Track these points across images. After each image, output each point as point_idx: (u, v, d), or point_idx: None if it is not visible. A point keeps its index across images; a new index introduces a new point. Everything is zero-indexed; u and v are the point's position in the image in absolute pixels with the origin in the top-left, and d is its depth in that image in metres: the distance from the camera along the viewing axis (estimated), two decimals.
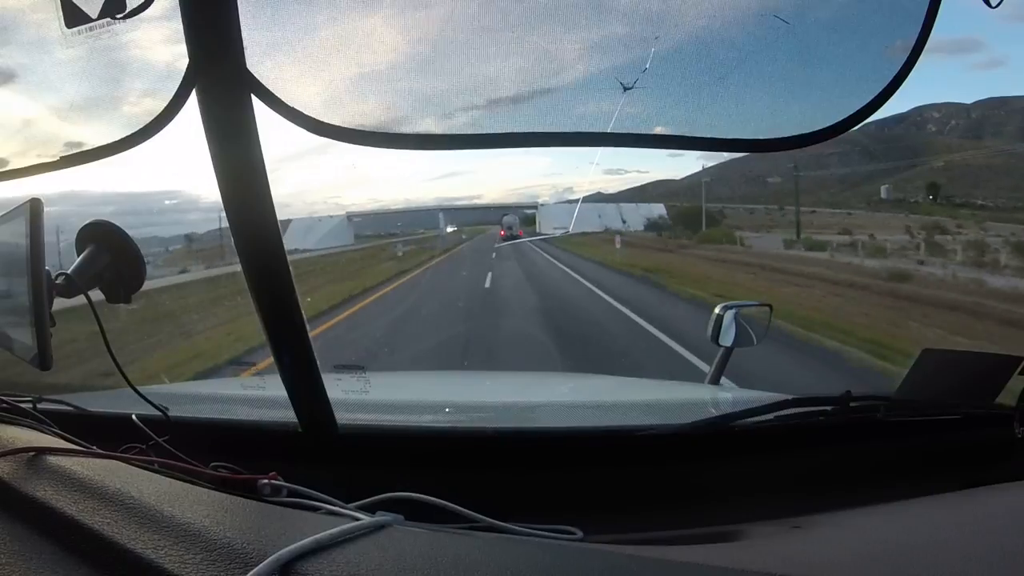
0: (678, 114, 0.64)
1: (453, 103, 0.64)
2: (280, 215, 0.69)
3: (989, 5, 0.61)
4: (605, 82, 0.63)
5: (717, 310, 1.43)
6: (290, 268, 0.72)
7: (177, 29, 0.61)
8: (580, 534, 0.66)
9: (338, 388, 1.11)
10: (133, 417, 0.82)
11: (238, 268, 0.70)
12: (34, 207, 0.66)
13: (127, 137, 0.69)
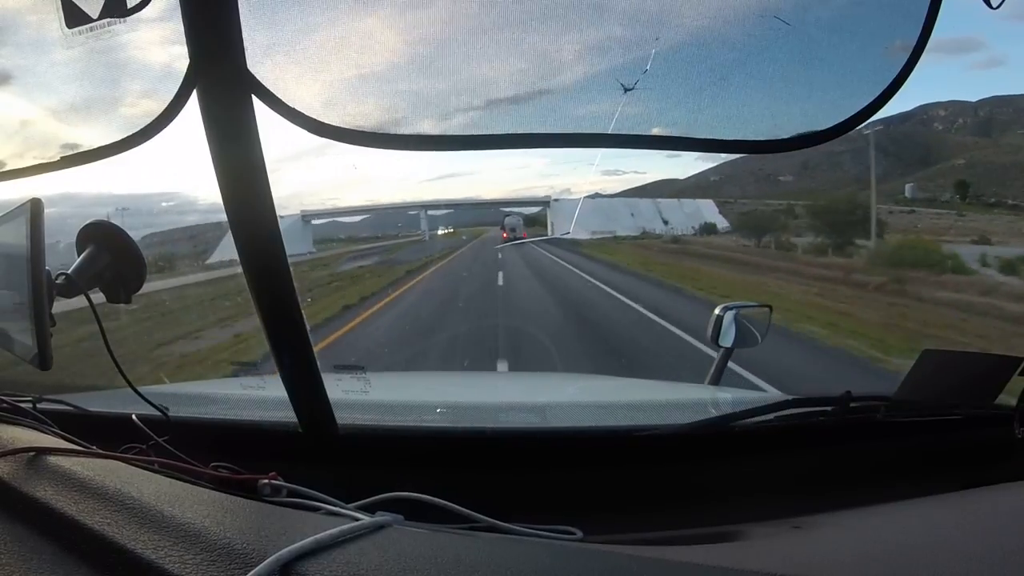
0: (678, 115, 0.64)
1: (452, 104, 0.65)
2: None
3: (990, 6, 0.61)
4: (605, 83, 0.63)
5: (717, 311, 1.43)
6: (290, 268, 0.73)
7: (177, 30, 0.61)
8: (580, 534, 0.66)
9: (338, 388, 1.11)
10: (133, 417, 0.82)
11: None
12: (34, 207, 0.66)
13: (128, 137, 0.69)
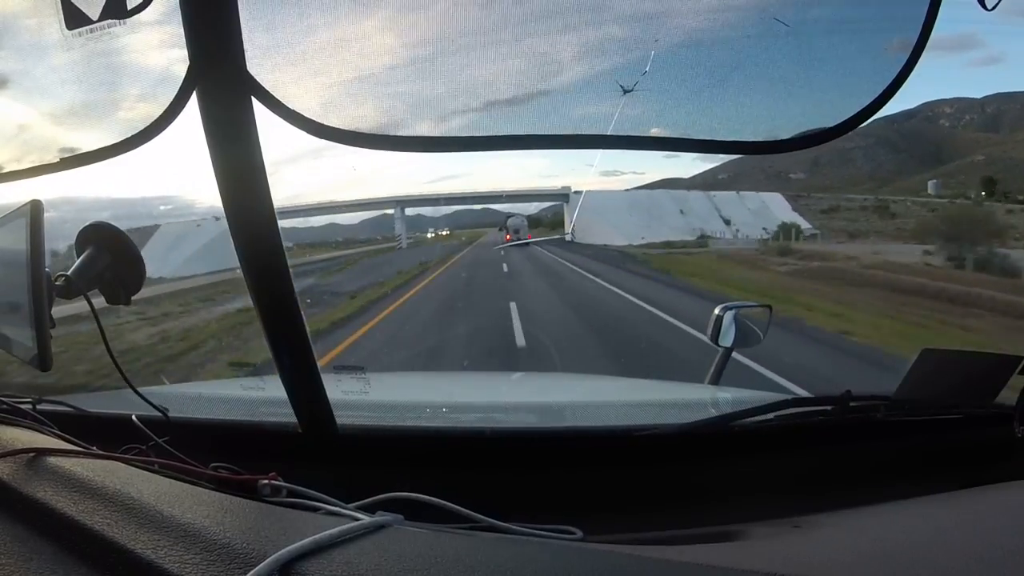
0: (678, 116, 0.64)
1: (451, 106, 0.65)
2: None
3: (985, 8, 0.61)
4: (604, 84, 0.63)
5: (717, 311, 1.43)
6: (290, 268, 0.73)
7: (177, 32, 0.61)
8: (580, 534, 0.66)
9: (338, 388, 1.12)
10: (133, 418, 0.82)
11: None
12: (34, 208, 0.66)
13: (128, 139, 0.69)
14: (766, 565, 0.50)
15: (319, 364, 0.79)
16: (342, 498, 0.63)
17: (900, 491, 0.74)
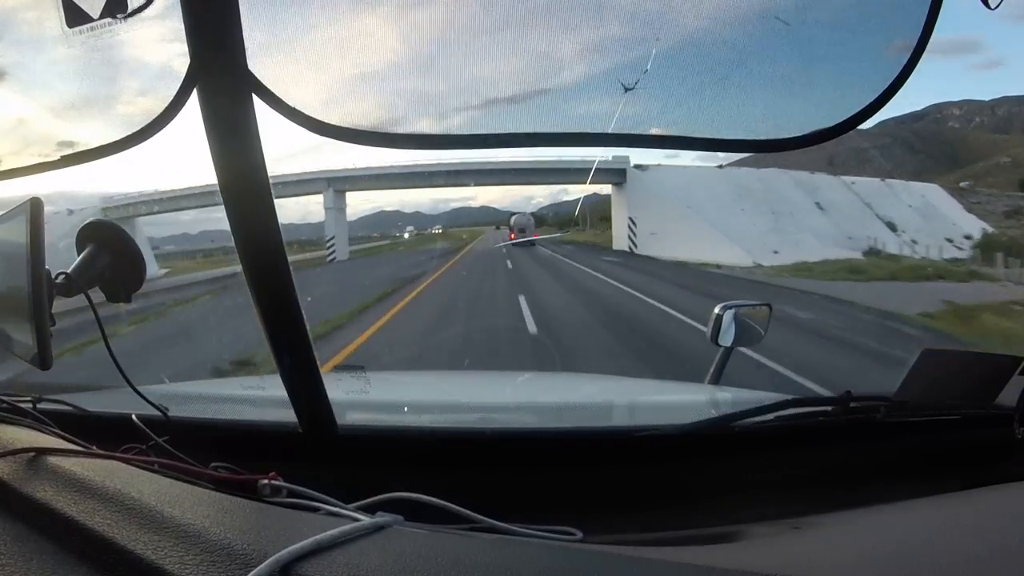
0: (679, 115, 0.64)
1: (452, 103, 0.64)
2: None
3: (988, 7, 0.60)
4: (604, 83, 0.63)
5: (716, 310, 1.43)
6: (290, 267, 0.72)
7: (178, 28, 0.61)
8: (580, 534, 0.66)
9: (338, 388, 1.12)
10: (133, 417, 0.82)
11: None
12: (34, 206, 0.66)
13: (130, 136, 0.69)
14: (766, 565, 0.50)
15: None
16: (342, 498, 0.63)
17: (900, 492, 0.74)
